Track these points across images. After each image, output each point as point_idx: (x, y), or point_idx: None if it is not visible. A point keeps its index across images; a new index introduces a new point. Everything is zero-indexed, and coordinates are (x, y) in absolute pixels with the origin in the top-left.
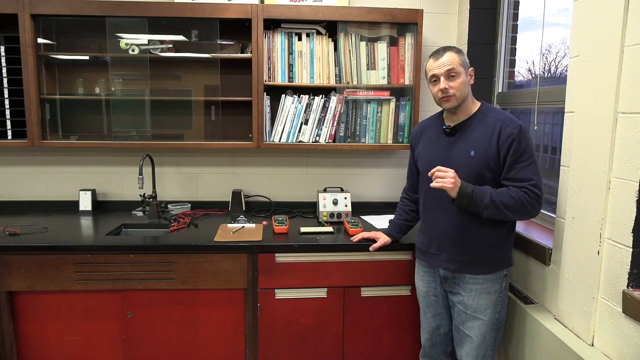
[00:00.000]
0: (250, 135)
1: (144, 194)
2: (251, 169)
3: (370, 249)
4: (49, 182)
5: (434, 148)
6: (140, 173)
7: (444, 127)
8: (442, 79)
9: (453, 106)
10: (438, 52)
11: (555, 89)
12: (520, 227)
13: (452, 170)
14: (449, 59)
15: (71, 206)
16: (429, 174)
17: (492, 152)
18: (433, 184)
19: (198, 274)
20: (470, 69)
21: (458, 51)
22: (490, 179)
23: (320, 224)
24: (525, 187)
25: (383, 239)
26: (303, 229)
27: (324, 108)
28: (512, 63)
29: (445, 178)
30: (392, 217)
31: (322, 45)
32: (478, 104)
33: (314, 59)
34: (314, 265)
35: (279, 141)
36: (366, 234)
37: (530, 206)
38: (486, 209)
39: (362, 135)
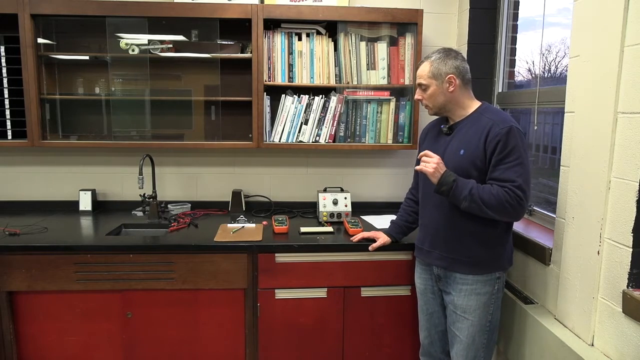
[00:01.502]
0: (250, 135)
1: (144, 194)
2: (251, 169)
3: (370, 248)
4: (49, 182)
5: (433, 146)
6: (140, 173)
7: (442, 126)
8: (417, 90)
9: (431, 113)
10: (420, 62)
11: (555, 89)
12: (520, 227)
13: (438, 157)
14: (420, 72)
15: (71, 206)
16: (418, 156)
17: (480, 151)
18: (417, 167)
19: (198, 274)
20: (449, 76)
21: (436, 59)
22: (477, 178)
23: (320, 224)
24: (507, 187)
25: (382, 239)
26: (303, 229)
27: (324, 108)
28: (512, 63)
29: (428, 163)
30: (392, 217)
31: (322, 45)
32: (477, 104)
33: (314, 59)
34: (314, 265)
35: (279, 141)
36: (366, 234)
37: (510, 206)
38: (464, 200)
39: (362, 135)
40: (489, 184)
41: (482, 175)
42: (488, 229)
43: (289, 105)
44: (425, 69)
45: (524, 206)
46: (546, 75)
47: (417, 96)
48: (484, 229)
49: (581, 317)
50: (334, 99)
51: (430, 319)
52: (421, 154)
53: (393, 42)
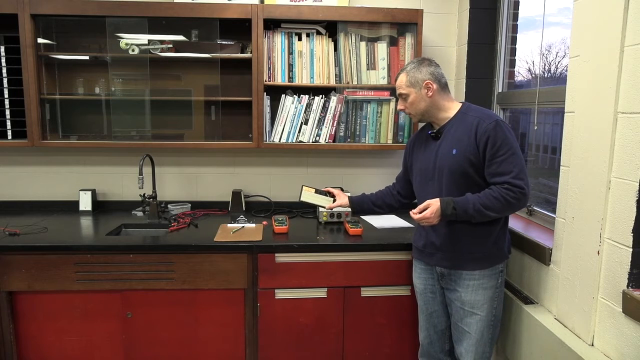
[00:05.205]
0: (250, 135)
1: (144, 194)
2: (251, 169)
3: (327, 207)
4: (49, 182)
5: (424, 153)
6: (140, 173)
7: (429, 132)
8: (399, 100)
9: (415, 120)
10: (397, 74)
11: (555, 89)
12: (520, 227)
13: (423, 213)
14: (398, 83)
15: (71, 206)
16: (414, 215)
17: (472, 148)
18: (415, 218)
19: (198, 274)
20: (426, 82)
21: (411, 69)
22: (474, 174)
23: (322, 193)
24: (507, 183)
25: (340, 201)
26: (303, 198)
27: (324, 108)
28: (512, 63)
29: (422, 220)
30: (392, 217)
31: (322, 45)
32: (459, 105)
33: (314, 59)
34: (314, 265)
35: (279, 141)
36: (330, 189)
37: (515, 201)
38: (472, 218)
39: (362, 135)
40: (488, 177)
41: (478, 170)
42: (489, 227)
43: (289, 105)
44: (402, 79)
45: (527, 193)
46: (546, 75)
47: (399, 106)
48: (485, 227)
49: (581, 317)
50: (334, 99)
51: (430, 319)
52: (417, 217)
53: (393, 42)
